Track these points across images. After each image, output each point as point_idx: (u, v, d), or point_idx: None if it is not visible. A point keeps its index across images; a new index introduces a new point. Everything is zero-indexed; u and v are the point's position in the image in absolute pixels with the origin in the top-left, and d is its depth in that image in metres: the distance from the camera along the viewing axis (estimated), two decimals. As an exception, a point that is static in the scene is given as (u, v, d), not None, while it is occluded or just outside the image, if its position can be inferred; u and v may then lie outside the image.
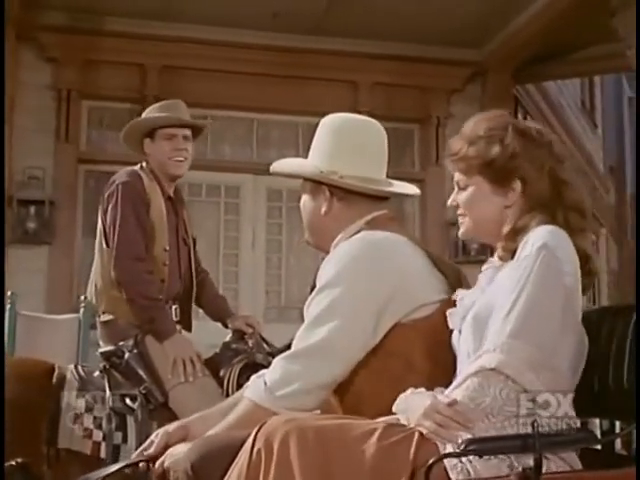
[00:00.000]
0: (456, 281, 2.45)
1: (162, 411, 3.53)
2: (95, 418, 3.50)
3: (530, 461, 1.85)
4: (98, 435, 3.48)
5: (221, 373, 3.62)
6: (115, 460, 3.39)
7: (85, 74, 8.19)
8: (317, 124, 2.68)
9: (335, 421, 2.11)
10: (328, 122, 2.68)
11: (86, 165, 8.33)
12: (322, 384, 2.34)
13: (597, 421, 2.56)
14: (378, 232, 2.46)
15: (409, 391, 2.12)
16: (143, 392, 3.52)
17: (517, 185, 2.26)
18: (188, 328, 3.97)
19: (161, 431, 2.49)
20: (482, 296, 2.23)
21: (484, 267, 2.33)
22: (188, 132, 3.97)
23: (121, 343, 3.65)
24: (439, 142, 8.60)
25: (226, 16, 7.99)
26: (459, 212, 2.38)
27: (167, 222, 3.86)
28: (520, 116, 9.33)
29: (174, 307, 3.90)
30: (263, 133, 8.74)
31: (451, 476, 1.92)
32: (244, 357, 3.66)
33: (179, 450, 2.35)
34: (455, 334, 2.27)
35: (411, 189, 2.78)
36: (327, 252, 2.58)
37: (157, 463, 2.40)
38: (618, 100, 15.46)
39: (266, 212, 8.67)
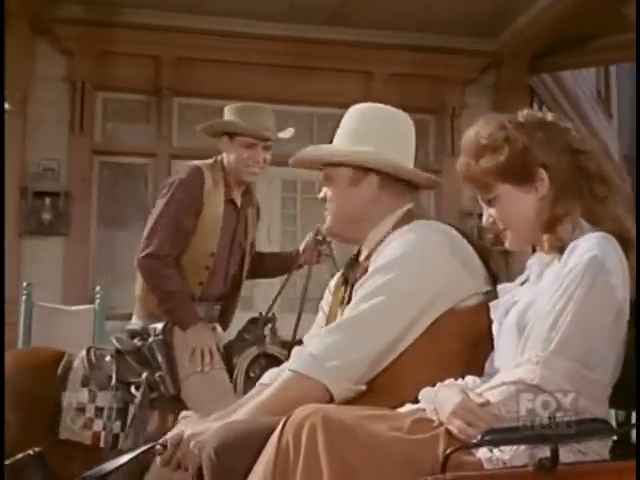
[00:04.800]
0: (499, 270, 2.44)
1: (168, 401, 3.54)
2: (97, 408, 3.51)
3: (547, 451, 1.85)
4: (98, 425, 3.49)
5: (234, 361, 3.62)
6: (114, 449, 3.41)
7: (100, 66, 8.19)
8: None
9: (362, 412, 2.09)
10: (364, 110, 2.68)
11: (101, 156, 8.34)
12: (369, 356, 2.32)
13: (612, 412, 2.55)
14: (429, 222, 2.48)
15: (438, 384, 2.11)
16: (157, 379, 3.53)
17: (542, 174, 2.21)
18: (225, 327, 3.96)
19: (189, 420, 2.49)
20: (527, 295, 2.20)
21: (530, 261, 2.30)
22: (270, 142, 3.90)
23: (150, 325, 3.65)
24: (454, 133, 8.57)
25: (241, 7, 7.98)
26: (499, 228, 2.30)
27: (222, 226, 3.83)
28: (536, 106, 9.31)
29: (216, 307, 3.89)
30: (278, 124, 8.69)
31: (486, 467, 1.93)
32: (257, 348, 3.66)
33: (196, 430, 2.34)
34: (496, 325, 2.26)
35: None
36: (356, 243, 2.57)
37: (172, 440, 2.39)
38: (633, 89, 15.36)
39: (281, 203, 8.67)
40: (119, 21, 8.10)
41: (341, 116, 2.72)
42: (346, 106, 2.75)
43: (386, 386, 2.34)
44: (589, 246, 2.08)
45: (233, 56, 8.30)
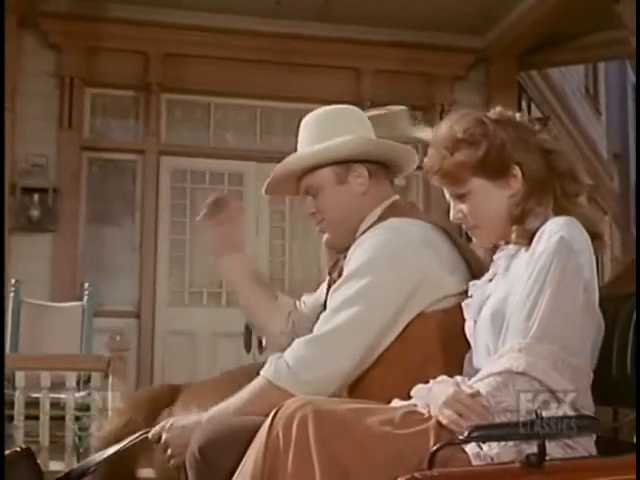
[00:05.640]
0: (478, 270, 2.42)
1: None
2: None
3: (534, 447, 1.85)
4: None
5: None
6: None
7: (88, 61, 8.19)
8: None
9: (353, 405, 2.08)
10: (315, 115, 2.63)
11: (89, 152, 8.33)
12: (345, 370, 2.32)
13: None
14: (407, 220, 2.45)
15: (431, 381, 2.10)
16: None
17: (516, 170, 2.23)
18: None
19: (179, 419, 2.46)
20: (498, 288, 2.20)
21: (497, 255, 2.30)
22: None
23: None
24: (443, 129, 8.56)
25: (229, 3, 7.98)
26: (469, 225, 2.30)
27: None
28: (524, 103, 9.33)
29: None
30: (266, 120, 8.73)
31: (474, 462, 1.93)
32: None
33: (177, 424, 2.34)
34: (470, 324, 2.26)
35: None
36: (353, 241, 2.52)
37: (153, 432, 2.38)
38: (622, 87, 15.41)
39: (269, 199, 8.66)
40: (106, 16, 8.08)
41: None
42: (335, 103, 2.73)
43: (357, 394, 2.35)
44: (556, 229, 2.11)
45: (222, 52, 8.30)
